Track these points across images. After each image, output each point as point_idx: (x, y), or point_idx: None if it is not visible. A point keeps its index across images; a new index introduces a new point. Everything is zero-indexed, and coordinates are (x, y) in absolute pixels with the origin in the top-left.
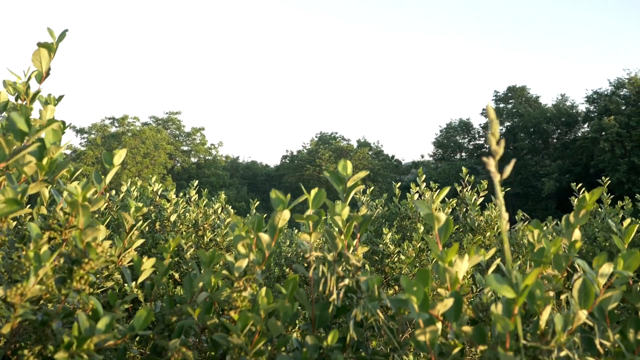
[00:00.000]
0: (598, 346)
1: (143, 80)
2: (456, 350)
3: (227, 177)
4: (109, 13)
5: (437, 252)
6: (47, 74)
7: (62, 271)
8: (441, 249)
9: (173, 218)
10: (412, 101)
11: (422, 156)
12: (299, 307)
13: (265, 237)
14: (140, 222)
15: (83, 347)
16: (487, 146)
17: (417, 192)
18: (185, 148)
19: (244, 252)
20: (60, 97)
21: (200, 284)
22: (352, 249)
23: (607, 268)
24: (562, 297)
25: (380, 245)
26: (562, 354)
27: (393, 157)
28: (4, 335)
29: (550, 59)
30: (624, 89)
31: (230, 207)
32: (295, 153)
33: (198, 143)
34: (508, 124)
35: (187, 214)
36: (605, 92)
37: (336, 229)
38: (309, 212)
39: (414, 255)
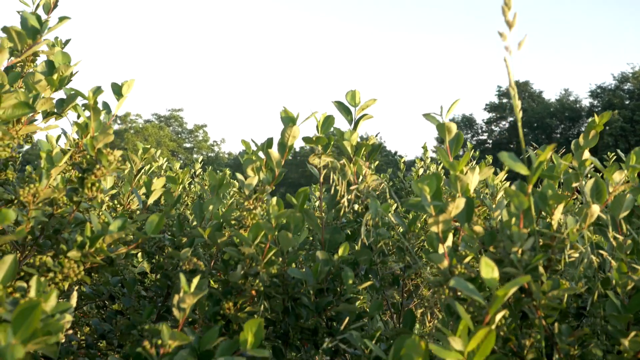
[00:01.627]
0: (611, 240)
1: (145, 77)
2: (468, 259)
3: (230, 174)
4: (109, 10)
5: (448, 161)
6: (55, 5)
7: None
8: (451, 159)
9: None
10: (415, 97)
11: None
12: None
13: (275, 153)
14: (149, 166)
15: (96, 245)
16: (490, 141)
17: (422, 167)
18: (188, 145)
19: (253, 174)
20: (67, 41)
21: (210, 207)
22: (360, 177)
23: (618, 175)
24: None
25: (385, 218)
26: (575, 254)
27: (396, 153)
28: (16, 240)
29: (553, 54)
30: (628, 83)
31: (235, 182)
32: (297, 150)
33: (200, 140)
34: (511, 119)
35: (192, 186)
36: (609, 87)
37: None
38: (318, 135)
39: (419, 226)
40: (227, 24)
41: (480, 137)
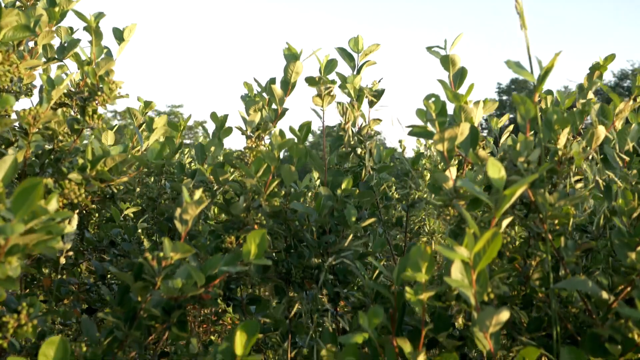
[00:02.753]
0: (617, 160)
1: (144, 73)
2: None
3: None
4: (109, 6)
5: (451, 91)
6: None
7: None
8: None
9: None
10: (413, 94)
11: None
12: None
13: (277, 89)
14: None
15: (97, 168)
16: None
17: (424, 145)
18: (188, 141)
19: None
20: None
21: (212, 148)
22: (364, 122)
23: (623, 105)
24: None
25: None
26: (580, 185)
27: (395, 150)
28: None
29: (553, 50)
30: (628, 81)
31: None
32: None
33: (200, 136)
34: (512, 116)
35: (192, 164)
36: (609, 84)
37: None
38: (321, 76)
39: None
40: (228, 19)
41: (481, 134)
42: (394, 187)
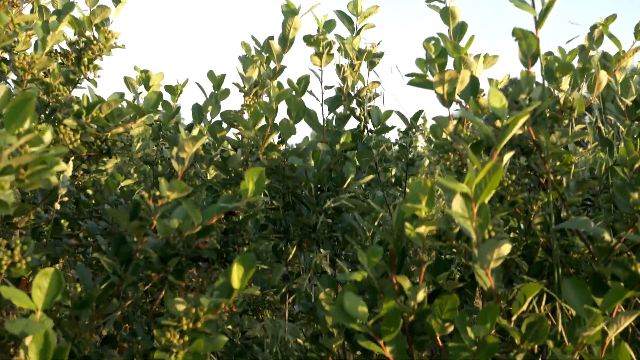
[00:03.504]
0: (627, 101)
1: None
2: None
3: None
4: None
5: (452, 43)
6: None
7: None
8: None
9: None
10: (410, 94)
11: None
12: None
13: (275, 45)
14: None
15: (92, 114)
16: None
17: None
18: None
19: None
20: None
21: (210, 108)
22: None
23: (624, 62)
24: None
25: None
26: (581, 134)
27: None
28: None
29: (553, 49)
30: None
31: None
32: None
33: None
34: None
35: None
36: None
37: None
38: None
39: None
40: (224, 17)
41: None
42: (392, 148)
